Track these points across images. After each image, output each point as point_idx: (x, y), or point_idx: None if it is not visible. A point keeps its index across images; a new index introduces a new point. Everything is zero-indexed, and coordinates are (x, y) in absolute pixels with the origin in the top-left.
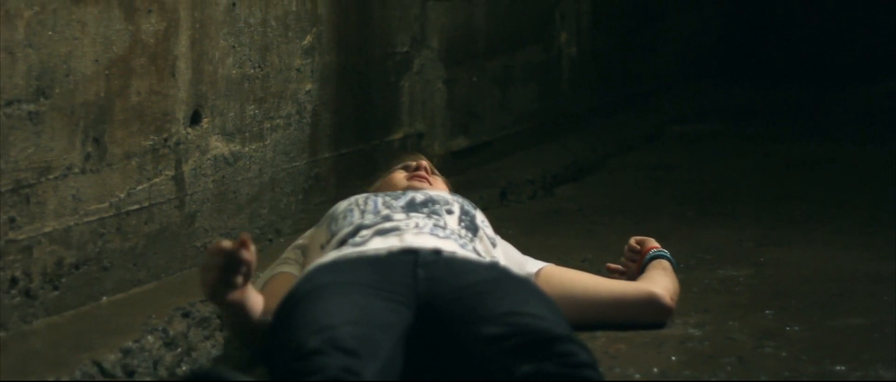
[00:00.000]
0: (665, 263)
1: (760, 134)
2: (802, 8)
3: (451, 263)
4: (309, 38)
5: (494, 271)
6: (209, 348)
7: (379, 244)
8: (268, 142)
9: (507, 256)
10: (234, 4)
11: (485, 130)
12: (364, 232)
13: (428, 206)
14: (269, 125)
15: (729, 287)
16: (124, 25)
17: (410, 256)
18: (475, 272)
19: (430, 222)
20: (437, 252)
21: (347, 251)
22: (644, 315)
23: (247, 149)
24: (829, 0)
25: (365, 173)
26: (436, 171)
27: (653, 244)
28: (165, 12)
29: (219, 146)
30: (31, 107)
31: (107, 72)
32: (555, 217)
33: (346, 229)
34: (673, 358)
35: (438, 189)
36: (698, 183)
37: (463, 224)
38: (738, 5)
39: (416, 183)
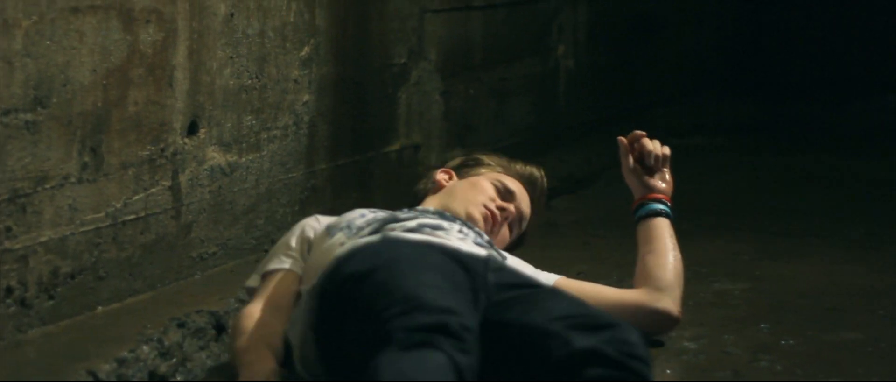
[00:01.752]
0: (665, 227)
1: (758, 148)
2: (802, 22)
3: (510, 270)
4: (306, 49)
5: (545, 285)
6: (204, 358)
7: (444, 239)
8: (265, 153)
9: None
10: (232, 15)
11: (481, 142)
12: (409, 224)
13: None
14: (266, 136)
15: (725, 301)
16: (122, 35)
17: (481, 261)
18: (532, 284)
19: (472, 232)
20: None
21: (417, 237)
22: (652, 328)
23: (244, 160)
24: (828, 15)
25: (361, 184)
26: (519, 221)
27: (657, 185)
28: (163, 22)
29: (216, 157)
30: (29, 116)
31: (104, 82)
32: (551, 230)
33: (379, 224)
34: (668, 371)
35: (499, 238)
36: (695, 196)
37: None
38: (738, 19)
39: (488, 217)
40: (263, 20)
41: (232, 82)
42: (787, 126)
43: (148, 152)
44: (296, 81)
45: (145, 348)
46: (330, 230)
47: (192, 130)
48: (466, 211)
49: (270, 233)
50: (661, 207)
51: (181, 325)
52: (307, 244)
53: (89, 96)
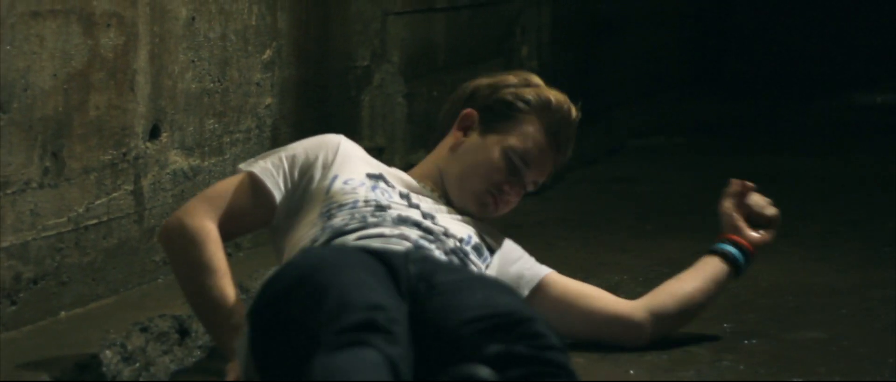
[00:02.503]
0: (715, 269)
1: (721, 147)
2: (763, 23)
3: (432, 259)
4: (269, 52)
5: (468, 271)
6: (168, 363)
7: (374, 243)
8: (227, 156)
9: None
10: (193, 19)
11: None
12: (350, 237)
13: (420, 227)
14: (228, 140)
15: None
16: (83, 40)
17: (400, 256)
18: (453, 271)
19: (415, 234)
20: (419, 248)
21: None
22: (619, 336)
23: (206, 163)
24: (789, 15)
25: None
26: (532, 183)
27: (747, 233)
28: (124, 26)
29: (178, 161)
30: None
31: (65, 86)
32: (515, 231)
33: (326, 237)
34: (631, 371)
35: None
36: (658, 197)
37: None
38: (700, 20)
39: (487, 204)
40: (225, 23)
41: (194, 86)
42: (749, 126)
43: (110, 157)
44: (258, 84)
45: (108, 352)
46: (325, 210)
47: (154, 134)
48: (461, 200)
49: None
50: (731, 250)
51: (144, 330)
52: (309, 180)
53: (50, 101)
